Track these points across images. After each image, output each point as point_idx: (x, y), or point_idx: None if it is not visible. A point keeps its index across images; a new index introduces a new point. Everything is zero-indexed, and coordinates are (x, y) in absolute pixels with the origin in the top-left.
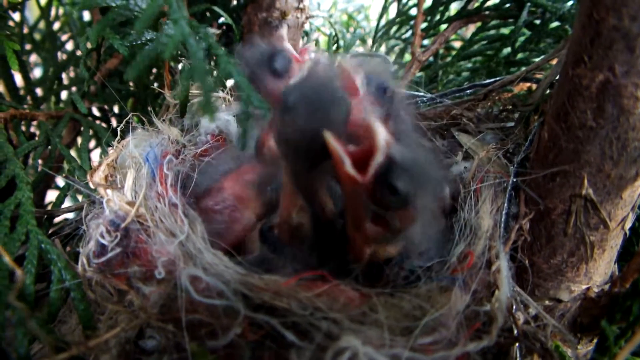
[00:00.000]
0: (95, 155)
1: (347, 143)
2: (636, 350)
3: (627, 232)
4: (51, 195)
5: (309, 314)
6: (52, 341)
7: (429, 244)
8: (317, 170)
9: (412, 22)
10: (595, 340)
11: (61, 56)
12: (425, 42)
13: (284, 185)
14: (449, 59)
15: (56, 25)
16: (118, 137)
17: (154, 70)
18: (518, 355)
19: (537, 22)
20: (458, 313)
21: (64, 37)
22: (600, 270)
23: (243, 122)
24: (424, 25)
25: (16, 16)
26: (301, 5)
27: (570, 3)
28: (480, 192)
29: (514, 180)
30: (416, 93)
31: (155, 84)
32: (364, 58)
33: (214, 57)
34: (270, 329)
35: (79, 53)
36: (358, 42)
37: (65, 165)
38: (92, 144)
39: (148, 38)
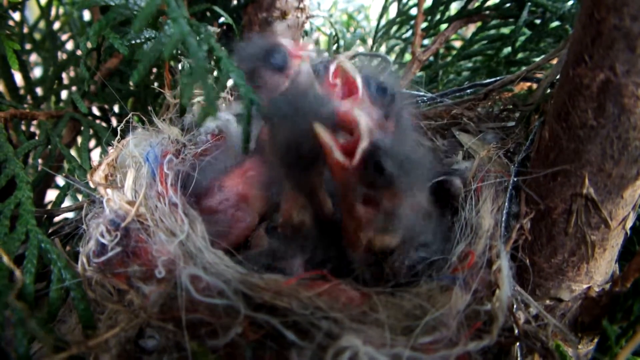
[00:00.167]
0: (95, 154)
1: (338, 137)
2: (637, 350)
3: (628, 232)
4: (51, 195)
5: (309, 314)
6: (51, 341)
7: (431, 236)
8: (313, 172)
9: (412, 22)
10: (596, 340)
11: (61, 56)
12: (426, 41)
13: (285, 188)
14: (449, 58)
15: (56, 25)
16: (118, 136)
17: (154, 70)
18: (519, 354)
19: (538, 21)
20: (459, 312)
21: (64, 37)
22: (601, 270)
23: (245, 126)
24: (424, 24)
25: (16, 16)
26: (301, 5)
27: (570, 3)
28: (481, 191)
29: (515, 179)
30: (417, 93)
31: (156, 84)
32: (364, 59)
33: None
34: (270, 328)
35: (79, 53)
36: (358, 41)
37: (66, 165)
38: (92, 143)
39: (147, 37)
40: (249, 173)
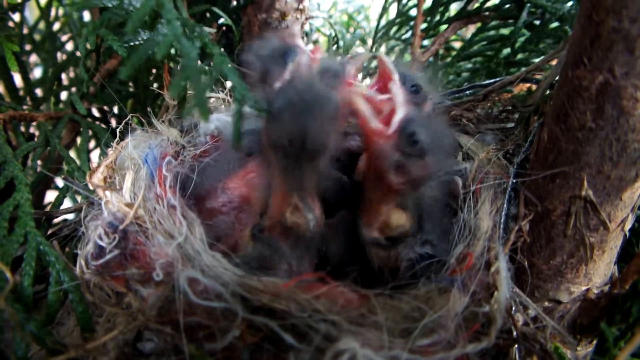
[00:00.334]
0: (95, 156)
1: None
2: (636, 352)
3: (627, 234)
4: (51, 196)
5: (307, 316)
6: (50, 344)
7: (437, 235)
8: (311, 168)
9: (412, 23)
10: (594, 342)
11: (61, 57)
12: (425, 42)
13: (276, 185)
14: (448, 59)
15: (56, 26)
16: (117, 138)
17: (154, 71)
18: (517, 356)
19: (537, 22)
20: (457, 314)
21: (63, 38)
22: (599, 272)
23: (237, 122)
24: (423, 25)
25: (16, 17)
26: (301, 6)
27: (570, 4)
28: (479, 193)
29: (514, 181)
30: None
31: (155, 85)
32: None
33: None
34: (268, 331)
35: (78, 54)
36: (358, 42)
37: (65, 167)
38: (92, 144)
39: (145, 38)
40: (251, 175)
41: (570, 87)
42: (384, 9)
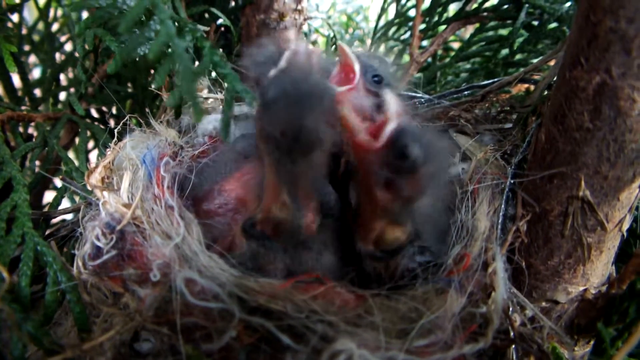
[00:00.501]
0: (93, 156)
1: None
2: (633, 352)
3: (625, 234)
4: (49, 196)
5: (304, 317)
6: (47, 344)
7: (437, 241)
8: (305, 162)
9: (410, 24)
10: (592, 342)
11: (60, 57)
12: (424, 43)
13: (267, 180)
14: (447, 60)
15: (55, 27)
16: (115, 138)
17: (152, 72)
18: (515, 357)
19: (535, 23)
20: (454, 315)
21: (62, 39)
22: (597, 272)
23: (226, 112)
24: (422, 26)
25: (15, 17)
26: (299, 7)
27: (568, 4)
28: (477, 193)
29: (512, 181)
30: (414, 94)
31: (153, 86)
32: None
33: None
34: (265, 332)
35: (77, 54)
36: (356, 43)
37: (63, 167)
38: (90, 145)
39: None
40: (247, 177)
41: (567, 87)
42: (383, 10)
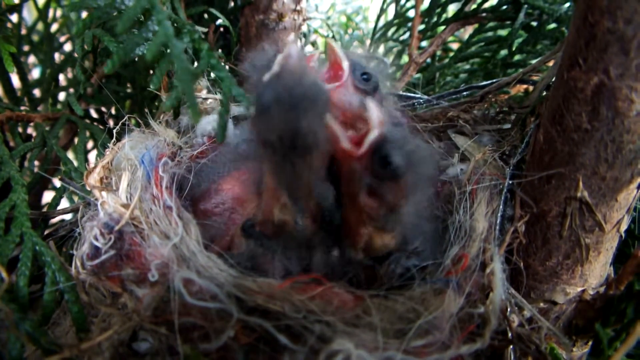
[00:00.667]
0: (93, 156)
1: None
2: (630, 353)
3: (623, 235)
4: (48, 196)
5: (302, 317)
6: (45, 344)
7: (424, 243)
8: (303, 164)
9: (409, 24)
10: (590, 343)
11: (59, 58)
12: (423, 43)
13: (267, 183)
14: (446, 60)
15: (54, 27)
16: (114, 139)
17: (151, 72)
18: (512, 357)
19: (534, 24)
20: (452, 315)
21: (61, 39)
22: (595, 273)
23: (222, 114)
24: (421, 27)
25: (14, 18)
26: (298, 7)
27: (567, 5)
28: (475, 194)
29: (510, 182)
30: (413, 95)
31: (151, 86)
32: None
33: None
34: (263, 332)
35: (76, 55)
36: (356, 43)
37: (62, 167)
38: (90, 145)
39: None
40: (245, 177)
41: (565, 88)
42: (382, 10)
